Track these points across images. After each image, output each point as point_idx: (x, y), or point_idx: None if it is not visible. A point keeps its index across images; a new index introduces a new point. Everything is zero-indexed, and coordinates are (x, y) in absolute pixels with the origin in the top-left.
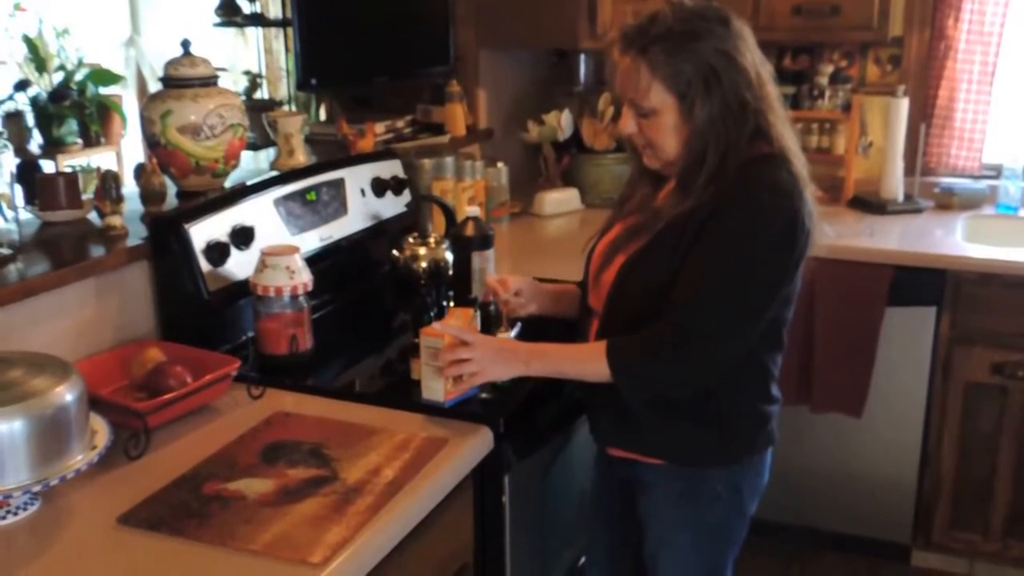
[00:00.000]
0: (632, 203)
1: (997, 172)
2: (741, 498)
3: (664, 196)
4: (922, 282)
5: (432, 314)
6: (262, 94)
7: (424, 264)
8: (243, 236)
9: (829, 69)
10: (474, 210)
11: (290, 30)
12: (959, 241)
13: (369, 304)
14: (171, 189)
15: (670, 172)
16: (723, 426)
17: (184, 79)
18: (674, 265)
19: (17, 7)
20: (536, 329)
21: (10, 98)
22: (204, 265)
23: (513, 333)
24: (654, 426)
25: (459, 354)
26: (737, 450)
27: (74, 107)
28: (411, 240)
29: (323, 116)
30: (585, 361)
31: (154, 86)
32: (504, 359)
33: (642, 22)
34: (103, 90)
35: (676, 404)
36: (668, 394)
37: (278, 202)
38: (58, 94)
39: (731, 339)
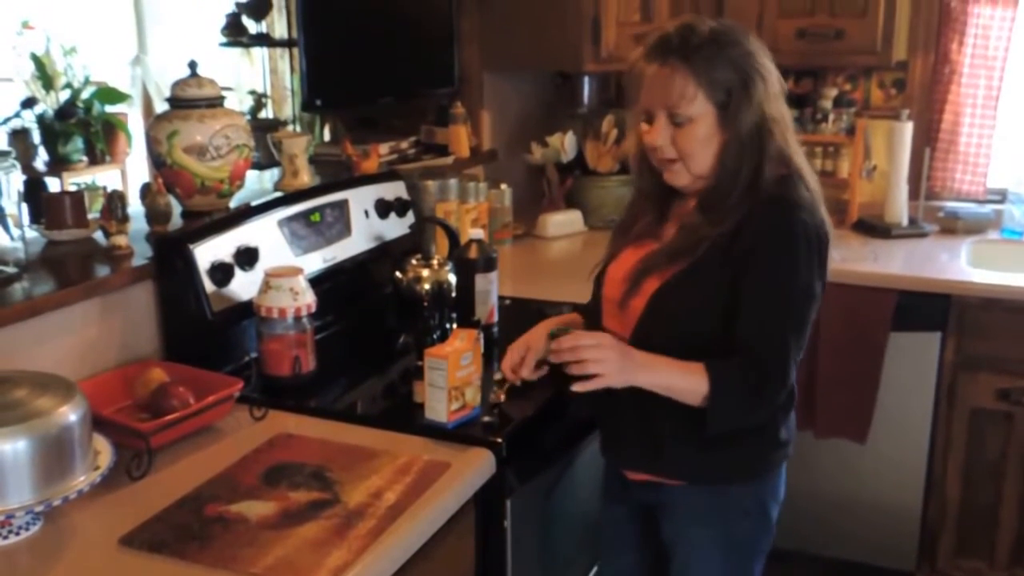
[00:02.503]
0: (639, 228)
1: (1002, 196)
2: (766, 510)
3: (687, 215)
4: (926, 307)
5: (435, 336)
6: (267, 113)
7: (427, 286)
8: (247, 257)
9: (833, 93)
10: (478, 232)
11: (295, 50)
12: (964, 266)
13: (372, 326)
14: (176, 209)
15: (694, 189)
16: (746, 445)
17: (191, 100)
18: (720, 291)
19: (25, 25)
20: None
21: (17, 115)
22: (208, 285)
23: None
24: (678, 449)
25: (587, 354)
26: (759, 467)
27: (80, 125)
28: (414, 262)
29: (327, 136)
30: (687, 378)
31: (160, 105)
32: (625, 365)
33: (680, 31)
34: (109, 108)
35: (694, 425)
36: (742, 426)
37: (282, 223)
38: (64, 112)
39: (795, 365)
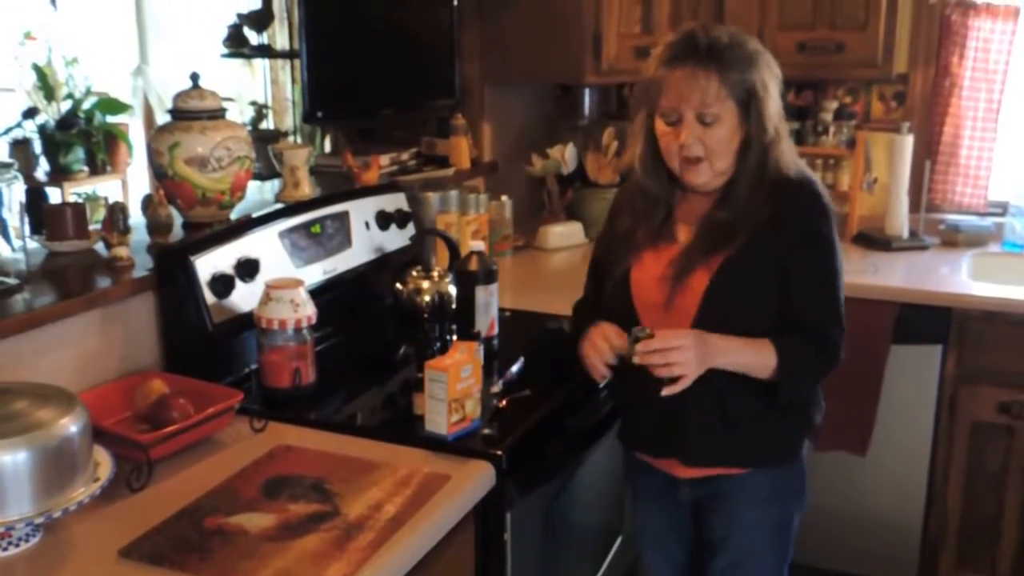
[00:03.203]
0: (645, 233)
1: (1003, 209)
2: (805, 485)
3: (706, 212)
4: (927, 320)
5: (435, 348)
6: (268, 125)
7: (427, 298)
8: (248, 268)
9: (833, 105)
10: (478, 245)
11: (297, 62)
12: (965, 279)
13: (372, 338)
14: (177, 220)
15: (711, 188)
16: (795, 422)
17: (192, 112)
18: (770, 274)
19: (27, 35)
20: (535, 365)
21: (18, 125)
22: (209, 297)
23: (515, 368)
24: (753, 435)
25: (674, 356)
26: (800, 443)
27: (81, 135)
28: (414, 273)
29: (328, 148)
30: (758, 353)
31: (161, 115)
32: (704, 355)
33: (704, 34)
34: (110, 119)
35: (763, 408)
36: (810, 387)
37: (283, 234)
38: (65, 122)
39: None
